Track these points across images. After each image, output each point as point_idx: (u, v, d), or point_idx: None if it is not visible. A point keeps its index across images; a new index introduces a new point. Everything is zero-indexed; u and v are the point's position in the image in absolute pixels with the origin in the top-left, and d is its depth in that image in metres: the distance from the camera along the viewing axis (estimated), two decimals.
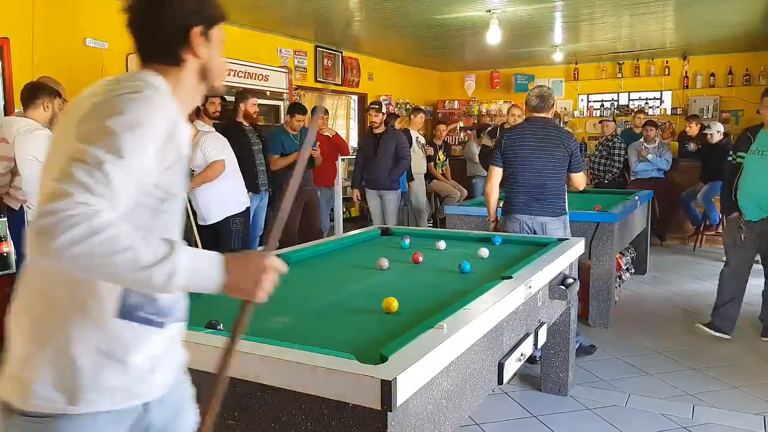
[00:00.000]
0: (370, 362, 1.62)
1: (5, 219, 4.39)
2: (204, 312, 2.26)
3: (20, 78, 4.73)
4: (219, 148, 4.86)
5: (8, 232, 4.42)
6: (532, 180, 3.96)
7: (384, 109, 6.54)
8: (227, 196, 4.95)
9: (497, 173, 4.09)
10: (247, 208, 5.13)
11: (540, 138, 3.96)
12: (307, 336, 2.00)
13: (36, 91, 3.86)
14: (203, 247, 4.93)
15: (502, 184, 4.15)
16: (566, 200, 4.08)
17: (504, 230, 4.09)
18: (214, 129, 5.18)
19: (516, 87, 11.24)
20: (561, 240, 3.57)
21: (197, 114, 5.37)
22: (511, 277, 2.61)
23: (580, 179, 4.05)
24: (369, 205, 6.67)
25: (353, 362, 1.62)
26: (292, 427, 1.68)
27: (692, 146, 8.32)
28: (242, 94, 5.71)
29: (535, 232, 3.97)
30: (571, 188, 4.13)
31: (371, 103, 6.92)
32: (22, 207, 4.16)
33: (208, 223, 4.97)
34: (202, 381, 1.81)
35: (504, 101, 11.49)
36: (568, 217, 4.10)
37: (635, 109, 10.44)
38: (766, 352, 4.35)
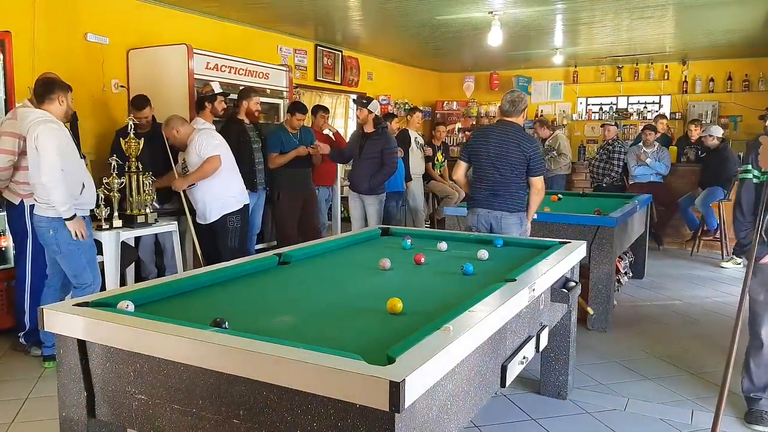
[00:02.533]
0: (377, 363, 1.61)
1: (4, 213, 4.36)
2: (209, 310, 2.25)
3: (21, 72, 4.70)
4: (213, 144, 4.82)
5: (7, 226, 4.40)
6: (492, 178, 4.25)
7: (375, 108, 6.02)
8: (225, 195, 4.91)
9: (462, 166, 4.46)
10: (246, 206, 5.11)
11: (502, 141, 4.22)
12: (312, 335, 1.99)
13: (52, 86, 3.87)
14: (201, 246, 4.90)
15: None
16: (524, 199, 4.32)
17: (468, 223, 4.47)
18: (212, 126, 5.16)
19: (519, 89, 11.21)
20: (563, 243, 3.57)
21: (198, 110, 5.37)
22: (515, 280, 2.60)
23: (537, 183, 4.24)
24: (350, 207, 6.31)
25: (361, 363, 1.61)
26: (297, 428, 1.66)
27: (691, 155, 8.33)
28: (245, 92, 5.70)
29: (491, 226, 4.27)
30: (531, 191, 4.28)
31: (358, 98, 6.41)
32: (22, 201, 4.13)
33: (207, 222, 4.95)
34: (206, 379, 1.80)
35: None
36: (526, 214, 4.33)
37: (634, 112, 10.50)
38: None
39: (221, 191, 4.88)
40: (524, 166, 4.18)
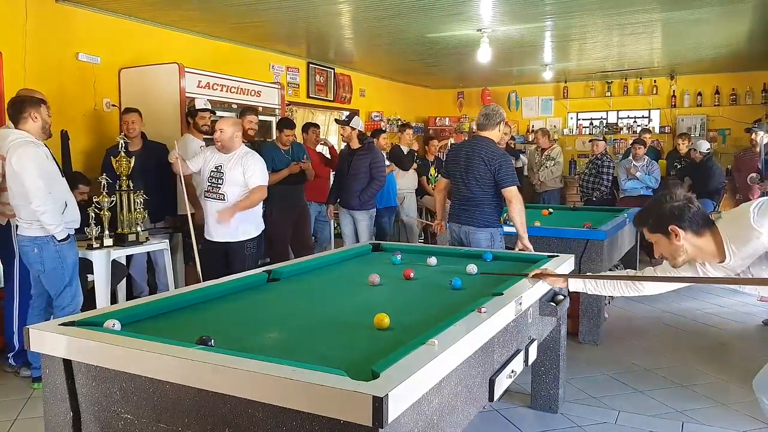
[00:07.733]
0: (361, 378, 1.61)
1: None
2: (196, 328, 2.26)
3: (12, 92, 4.71)
4: (264, 172, 4.55)
5: None
6: (462, 193, 4.33)
7: (357, 124, 6.00)
8: (254, 219, 4.61)
9: (442, 182, 4.68)
10: (263, 233, 4.78)
11: (470, 156, 4.27)
12: (298, 352, 2.00)
13: (20, 105, 3.82)
14: (203, 266, 4.55)
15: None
16: (497, 214, 4.32)
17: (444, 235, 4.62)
18: (207, 145, 5.11)
19: (515, 104, 11.34)
20: (551, 256, 3.59)
21: (188, 127, 5.39)
22: (502, 294, 2.61)
23: (508, 194, 4.18)
24: (340, 224, 6.23)
25: (345, 379, 1.61)
26: None
27: (677, 168, 8.41)
28: (241, 111, 5.72)
29: (461, 240, 4.32)
30: (507, 205, 4.22)
31: (347, 117, 6.30)
32: (9, 222, 4.12)
33: (224, 241, 4.50)
34: (191, 397, 1.80)
35: None
36: (500, 230, 4.34)
37: (624, 126, 10.60)
38: (754, 369, 4.36)
39: (253, 215, 4.60)
40: (492, 180, 4.17)
